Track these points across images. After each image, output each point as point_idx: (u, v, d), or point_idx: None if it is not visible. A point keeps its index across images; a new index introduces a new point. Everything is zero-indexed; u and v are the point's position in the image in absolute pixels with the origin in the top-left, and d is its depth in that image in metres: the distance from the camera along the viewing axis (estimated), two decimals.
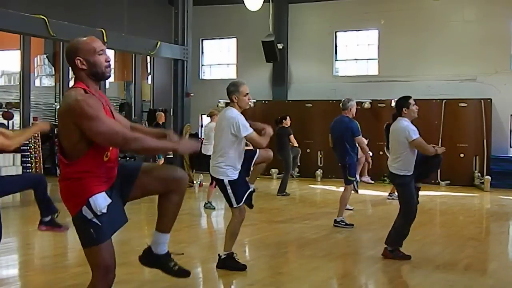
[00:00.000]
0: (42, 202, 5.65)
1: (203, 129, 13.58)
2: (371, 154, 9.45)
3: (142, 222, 9.00)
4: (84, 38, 3.41)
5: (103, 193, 3.32)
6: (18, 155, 14.60)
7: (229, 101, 5.82)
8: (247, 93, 5.74)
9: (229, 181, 5.70)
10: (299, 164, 16.28)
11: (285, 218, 9.62)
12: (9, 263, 6.41)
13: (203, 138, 11.38)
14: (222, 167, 5.72)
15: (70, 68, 3.39)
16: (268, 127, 5.77)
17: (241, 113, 5.75)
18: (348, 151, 8.54)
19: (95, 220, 3.30)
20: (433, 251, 7.06)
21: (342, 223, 8.49)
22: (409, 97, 6.57)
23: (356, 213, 10.17)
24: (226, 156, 5.70)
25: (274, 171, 16.09)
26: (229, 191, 5.72)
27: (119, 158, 3.60)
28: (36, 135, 15.15)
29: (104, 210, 3.31)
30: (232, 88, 5.74)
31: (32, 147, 15.14)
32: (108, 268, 3.42)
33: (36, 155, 15.32)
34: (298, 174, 16.21)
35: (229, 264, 5.87)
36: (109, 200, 3.33)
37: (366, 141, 8.87)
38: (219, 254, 5.95)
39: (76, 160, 3.28)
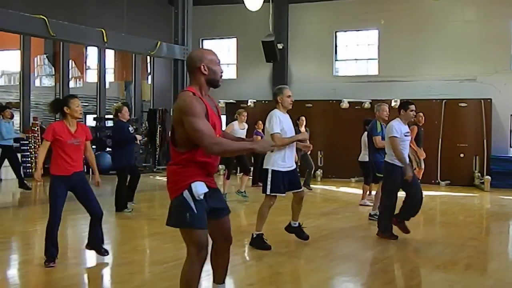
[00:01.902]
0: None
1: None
2: None
3: (142, 223, 9.01)
4: (207, 49, 4.05)
5: (203, 183, 3.81)
6: (18, 155, 14.57)
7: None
8: (289, 95, 6.94)
9: (272, 170, 6.73)
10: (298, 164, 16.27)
11: (285, 218, 9.60)
12: (9, 263, 6.41)
13: None
14: (271, 158, 6.76)
15: (189, 72, 3.96)
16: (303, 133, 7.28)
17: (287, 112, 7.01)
18: (371, 150, 9.30)
19: (192, 205, 3.74)
20: (433, 251, 7.05)
21: (376, 217, 8.88)
22: (411, 103, 7.58)
23: (356, 213, 10.18)
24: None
25: None
26: (269, 179, 6.73)
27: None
28: (36, 135, 15.16)
29: (202, 197, 3.77)
30: (277, 91, 7.02)
31: (32, 147, 15.13)
32: (200, 246, 3.79)
33: (36, 155, 15.31)
34: (298, 174, 16.18)
35: (257, 242, 6.79)
36: (207, 189, 3.81)
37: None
38: (252, 233, 6.88)
39: (185, 151, 3.79)
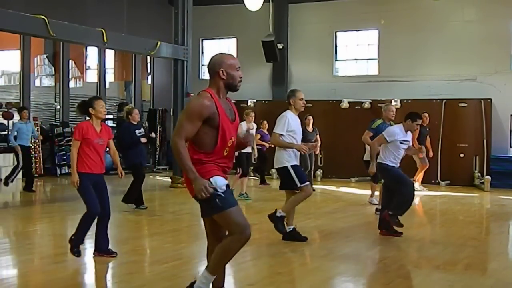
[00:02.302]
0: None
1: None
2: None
3: (142, 222, 9.00)
4: (228, 54, 4.24)
5: (221, 176, 3.97)
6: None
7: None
8: (302, 98, 7.17)
9: (291, 165, 7.03)
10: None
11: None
12: (9, 263, 6.41)
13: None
14: (283, 156, 7.04)
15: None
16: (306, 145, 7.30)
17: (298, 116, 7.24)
18: None
19: (217, 192, 3.89)
20: (433, 251, 7.05)
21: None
22: (420, 117, 7.82)
23: (356, 213, 10.18)
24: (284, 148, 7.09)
25: (274, 171, 16.08)
26: (293, 174, 7.01)
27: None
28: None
29: (224, 188, 3.93)
30: (290, 94, 7.28)
31: (32, 147, 15.10)
32: (242, 224, 3.95)
33: (36, 155, 15.29)
34: None
35: (293, 235, 7.18)
36: (226, 181, 3.98)
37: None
38: (285, 230, 7.23)
39: (204, 150, 3.96)
